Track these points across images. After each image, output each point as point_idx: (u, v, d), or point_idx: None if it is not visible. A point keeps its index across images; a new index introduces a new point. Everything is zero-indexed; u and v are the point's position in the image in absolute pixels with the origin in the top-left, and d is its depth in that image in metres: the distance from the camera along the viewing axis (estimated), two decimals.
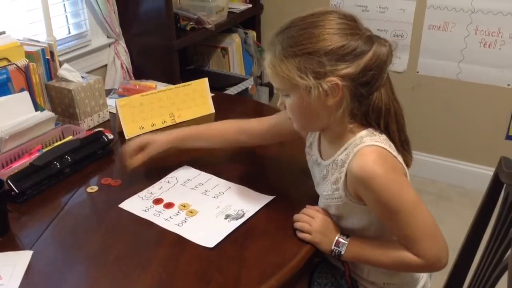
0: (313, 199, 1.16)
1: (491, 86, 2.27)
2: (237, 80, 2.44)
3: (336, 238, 1.03)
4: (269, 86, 2.76)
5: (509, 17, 2.13)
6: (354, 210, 1.01)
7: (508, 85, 2.24)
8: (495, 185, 1.13)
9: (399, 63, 2.41)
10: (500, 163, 1.11)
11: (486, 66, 2.24)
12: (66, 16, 1.96)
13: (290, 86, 0.95)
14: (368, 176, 0.92)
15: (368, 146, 0.95)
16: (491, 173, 1.13)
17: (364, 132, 0.97)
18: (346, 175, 0.97)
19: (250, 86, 2.46)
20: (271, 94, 2.78)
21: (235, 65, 2.55)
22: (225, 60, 2.55)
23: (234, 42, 2.51)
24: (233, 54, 2.53)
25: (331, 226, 1.05)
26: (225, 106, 1.69)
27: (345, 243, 1.03)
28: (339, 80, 0.91)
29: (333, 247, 1.03)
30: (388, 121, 0.97)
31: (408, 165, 1.01)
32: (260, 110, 1.76)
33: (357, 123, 0.97)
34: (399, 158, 0.98)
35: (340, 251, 1.03)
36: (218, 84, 2.37)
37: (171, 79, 2.03)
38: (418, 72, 2.40)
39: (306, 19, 0.95)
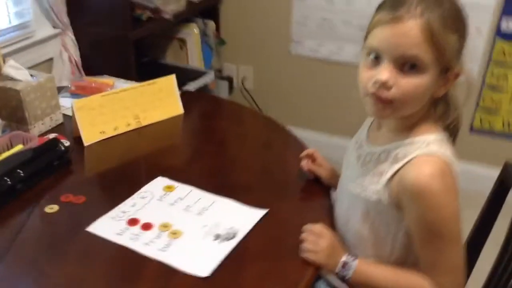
0: (309, 210, 1.05)
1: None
2: (197, 74, 2.28)
3: (343, 259, 0.92)
4: (229, 80, 2.62)
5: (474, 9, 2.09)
6: (384, 212, 0.91)
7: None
8: (500, 190, 1.06)
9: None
10: (507, 168, 1.04)
11: None
12: (7, 3, 1.72)
13: (432, 62, 0.82)
14: (422, 189, 0.82)
15: (432, 156, 0.85)
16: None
17: (433, 137, 0.87)
18: (395, 174, 0.87)
19: (210, 81, 2.31)
20: (231, 88, 2.64)
21: (194, 57, 2.39)
22: (182, 52, 2.38)
23: (192, 33, 2.33)
24: (191, 45, 2.36)
25: (338, 246, 0.94)
26: (196, 106, 1.54)
27: (352, 265, 0.92)
28: (461, 71, 0.86)
29: (338, 269, 0.92)
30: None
31: None
32: (237, 112, 1.59)
33: (433, 118, 0.90)
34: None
35: (346, 275, 0.92)
36: (176, 79, 2.20)
37: (126, 74, 1.84)
38: None
39: None
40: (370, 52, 0.86)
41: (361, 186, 0.93)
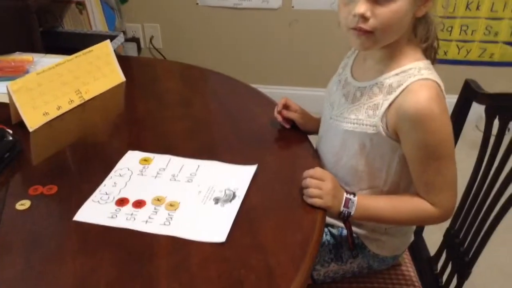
0: (297, 157, 1.06)
1: None
2: (105, 39, 2.11)
3: (345, 197, 0.95)
4: (136, 41, 2.48)
5: None
6: (380, 144, 0.94)
7: None
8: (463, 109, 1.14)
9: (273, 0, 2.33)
10: (467, 85, 1.11)
11: None
12: None
13: None
14: (423, 114, 0.85)
15: (426, 80, 0.87)
16: None
17: (422, 64, 0.90)
18: (391, 104, 0.89)
19: (121, 44, 2.16)
20: (139, 49, 2.50)
21: (96, 21, 2.21)
22: (83, 16, 2.19)
23: None
24: (91, 8, 2.18)
25: (339, 186, 0.96)
26: (132, 72, 1.44)
27: (354, 201, 0.95)
28: None
29: (342, 208, 0.95)
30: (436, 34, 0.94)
31: None
32: (180, 71, 1.51)
33: (415, 43, 0.91)
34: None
35: (350, 212, 0.95)
36: (82, 46, 2.02)
37: (32, 48, 1.67)
38: (293, 7, 2.36)
39: None
40: None
41: (356, 122, 0.95)
